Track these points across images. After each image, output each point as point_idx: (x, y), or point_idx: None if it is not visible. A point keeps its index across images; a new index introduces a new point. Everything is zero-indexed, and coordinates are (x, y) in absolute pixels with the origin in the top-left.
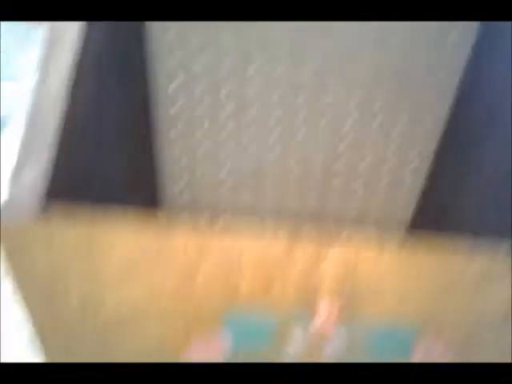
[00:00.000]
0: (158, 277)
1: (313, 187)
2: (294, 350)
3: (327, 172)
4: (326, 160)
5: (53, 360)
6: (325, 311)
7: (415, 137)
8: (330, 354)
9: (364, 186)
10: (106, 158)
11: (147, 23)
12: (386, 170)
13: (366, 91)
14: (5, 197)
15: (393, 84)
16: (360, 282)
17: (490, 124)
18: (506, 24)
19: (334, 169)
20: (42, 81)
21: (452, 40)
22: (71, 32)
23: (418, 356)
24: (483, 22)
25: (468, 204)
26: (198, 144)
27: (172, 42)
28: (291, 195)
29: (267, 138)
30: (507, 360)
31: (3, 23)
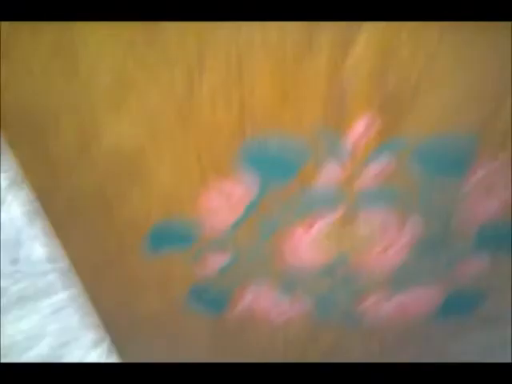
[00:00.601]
0: (155, 101)
1: None
2: (324, 183)
3: None
4: None
5: (56, 224)
6: (358, 126)
7: None
8: (366, 185)
9: None
10: None
11: None
12: None
13: None
14: None
15: None
16: (402, 78)
17: None
18: None
19: None
20: None
21: None
22: None
23: (474, 176)
24: None
25: None
26: None
27: None
28: None
29: None
30: None
31: None
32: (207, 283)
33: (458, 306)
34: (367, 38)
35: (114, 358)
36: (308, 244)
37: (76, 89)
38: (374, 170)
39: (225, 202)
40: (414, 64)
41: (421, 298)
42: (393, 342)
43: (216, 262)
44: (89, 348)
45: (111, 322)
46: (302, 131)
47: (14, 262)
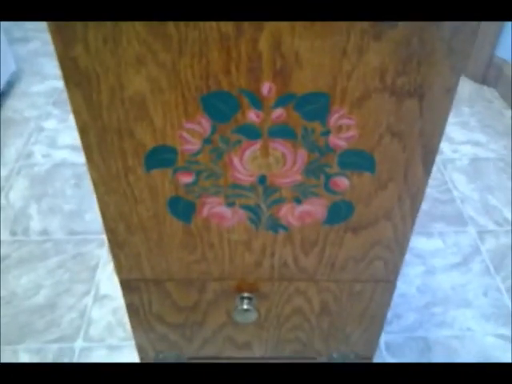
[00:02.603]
0: (155, 71)
1: None
2: (248, 124)
3: None
4: None
5: (87, 148)
6: (264, 88)
7: None
8: (272, 126)
9: None
10: None
11: None
12: None
13: None
14: None
15: None
16: (284, 61)
17: None
18: None
19: None
20: None
21: None
22: None
23: (333, 119)
24: None
25: None
26: None
27: None
28: None
29: None
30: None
31: None
32: (179, 196)
33: (336, 215)
34: (266, 37)
35: (101, 307)
36: (241, 167)
37: (113, 61)
38: (275, 115)
39: (190, 136)
40: (290, 53)
41: (313, 209)
42: (301, 244)
43: (184, 180)
44: (79, 296)
45: (113, 229)
46: (234, 92)
47: (14, 233)
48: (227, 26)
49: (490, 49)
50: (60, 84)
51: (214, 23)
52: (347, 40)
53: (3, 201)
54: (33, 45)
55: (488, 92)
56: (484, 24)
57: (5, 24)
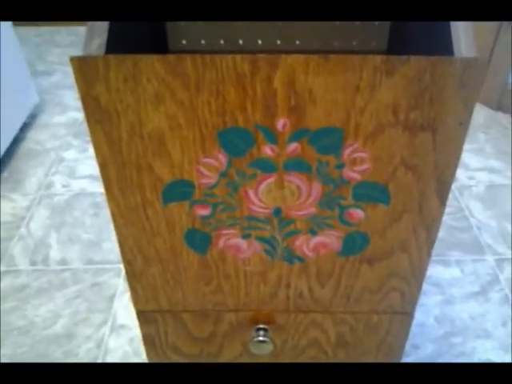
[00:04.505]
0: (173, 108)
1: None
2: (263, 158)
3: None
4: None
5: (106, 182)
6: (279, 124)
7: None
8: (286, 160)
9: None
10: (138, 37)
11: None
12: None
13: None
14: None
15: None
16: (298, 98)
17: None
18: None
19: None
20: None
21: None
22: None
23: (347, 152)
24: None
25: None
26: None
27: None
28: None
29: None
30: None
31: None
32: (195, 229)
33: (351, 247)
34: (280, 75)
35: (118, 337)
36: (256, 199)
37: (133, 99)
38: (290, 150)
39: (207, 170)
40: (304, 90)
41: (328, 240)
42: (317, 275)
43: (201, 212)
44: (97, 326)
45: (130, 260)
46: (250, 127)
47: (34, 262)
48: (243, 65)
49: (504, 76)
50: (80, 115)
51: (230, 62)
52: (360, 76)
53: (24, 230)
54: (55, 77)
55: (503, 118)
56: (498, 52)
57: (28, 58)
